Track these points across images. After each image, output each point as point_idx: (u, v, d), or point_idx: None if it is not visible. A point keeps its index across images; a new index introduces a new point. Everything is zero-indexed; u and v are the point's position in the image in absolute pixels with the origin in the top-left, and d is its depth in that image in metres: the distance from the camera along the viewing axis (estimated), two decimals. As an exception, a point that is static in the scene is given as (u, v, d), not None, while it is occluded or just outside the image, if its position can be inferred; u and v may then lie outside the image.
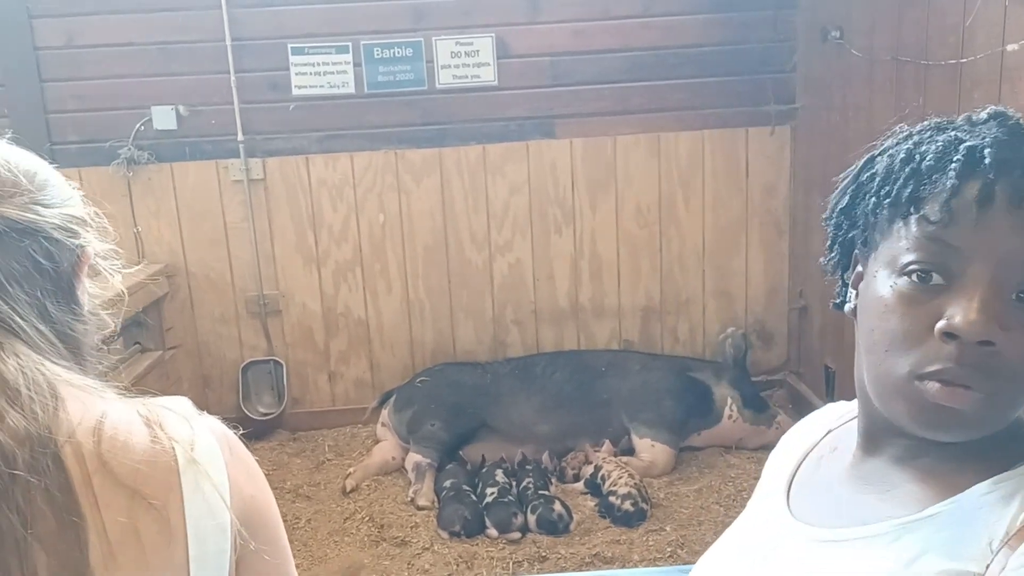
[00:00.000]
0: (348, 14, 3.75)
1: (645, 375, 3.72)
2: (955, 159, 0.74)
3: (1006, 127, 0.76)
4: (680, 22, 3.82)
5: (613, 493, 3.18)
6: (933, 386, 0.73)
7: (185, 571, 0.74)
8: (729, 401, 3.66)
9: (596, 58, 3.83)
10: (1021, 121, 0.77)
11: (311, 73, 3.77)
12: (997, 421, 0.75)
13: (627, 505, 3.12)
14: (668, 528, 3.09)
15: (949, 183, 0.73)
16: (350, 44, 3.76)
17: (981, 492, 0.73)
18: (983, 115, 0.79)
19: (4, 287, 0.75)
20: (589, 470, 3.41)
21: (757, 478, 3.59)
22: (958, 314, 0.71)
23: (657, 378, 3.70)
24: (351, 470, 3.54)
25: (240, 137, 3.79)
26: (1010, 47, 2.28)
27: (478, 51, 3.79)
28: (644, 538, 3.03)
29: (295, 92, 3.79)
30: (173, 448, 0.75)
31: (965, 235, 0.72)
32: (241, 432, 0.85)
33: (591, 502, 3.29)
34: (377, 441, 3.80)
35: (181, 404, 0.81)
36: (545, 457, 3.52)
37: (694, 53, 3.84)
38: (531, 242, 4.00)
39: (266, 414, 3.98)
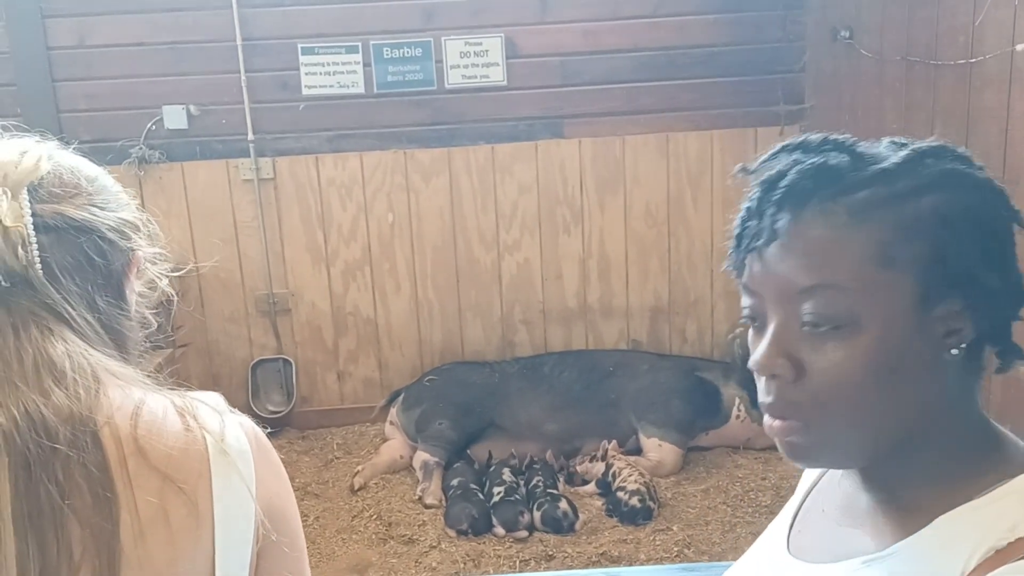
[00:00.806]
0: (358, 14, 3.77)
1: (653, 375, 3.73)
2: (744, 208, 0.79)
3: (802, 161, 0.79)
4: (689, 22, 3.82)
5: (622, 489, 3.19)
6: (765, 418, 0.78)
7: (210, 555, 0.77)
8: (737, 401, 3.66)
9: (605, 58, 3.84)
10: (831, 136, 0.80)
11: (321, 73, 3.79)
12: (848, 446, 0.75)
13: (634, 501, 3.13)
14: (675, 528, 3.10)
15: (736, 232, 0.79)
16: (360, 44, 3.77)
17: (938, 529, 0.72)
18: (777, 145, 0.83)
19: (58, 278, 0.80)
20: (600, 468, 3.41)
21: (764, 478, 3.57)
22: (753, 353, 0.76)
23: (665, 378, 3.70)
24: (359, 468, 3.56)
25: (250, 136, 3.81)
26: (1020, 47, 2.27)
27: (487, 51, 3.79)
28: (651, 537, 3.04)
29: (305, 92, 3.80)
30: (204, 438, 0.79)
31: (750, 278, 0.77)
32: (269, 431, 0.89)
33: (599, 501, 3.29)
34: (385, 439, 3.81)
35: (214, 399, 0.85)
36: (549, 455, 3.53)
37: (703, 53, 3.84)
38: (539, 242, 4.00)
39: (275, 412, 4.00)
